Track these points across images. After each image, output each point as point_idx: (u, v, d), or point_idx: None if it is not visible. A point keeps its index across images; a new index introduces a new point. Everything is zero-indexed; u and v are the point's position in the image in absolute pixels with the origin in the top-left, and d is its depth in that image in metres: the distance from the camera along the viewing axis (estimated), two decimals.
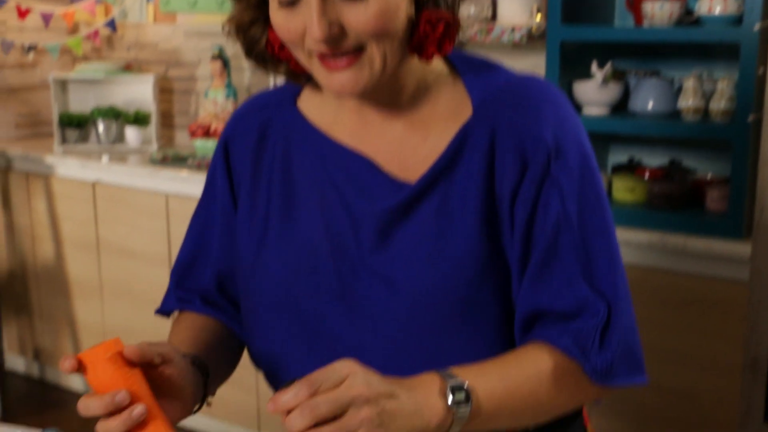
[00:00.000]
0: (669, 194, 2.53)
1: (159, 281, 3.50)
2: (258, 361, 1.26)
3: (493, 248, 1.10)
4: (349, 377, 0.91)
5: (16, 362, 4.22)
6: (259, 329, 1.20)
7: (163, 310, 1.35)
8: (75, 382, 3.97)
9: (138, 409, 0.95)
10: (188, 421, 4.17)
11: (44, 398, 3.94)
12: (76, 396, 3.85)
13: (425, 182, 1.11)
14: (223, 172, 1.24)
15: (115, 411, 0.96)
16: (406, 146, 1.14)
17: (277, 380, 1.22)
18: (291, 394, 0.89)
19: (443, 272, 1.09)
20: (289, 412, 0.89)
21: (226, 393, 3.63)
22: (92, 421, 0.99)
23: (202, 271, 1.29)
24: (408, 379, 1.00)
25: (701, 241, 2.37)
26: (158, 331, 3.57)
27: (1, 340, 4.20)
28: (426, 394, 0.98)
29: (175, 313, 1.34)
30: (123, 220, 3.60)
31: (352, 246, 1.12)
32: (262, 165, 1.21)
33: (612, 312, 1.08)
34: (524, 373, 1.07)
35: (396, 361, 1.04)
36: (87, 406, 0.97)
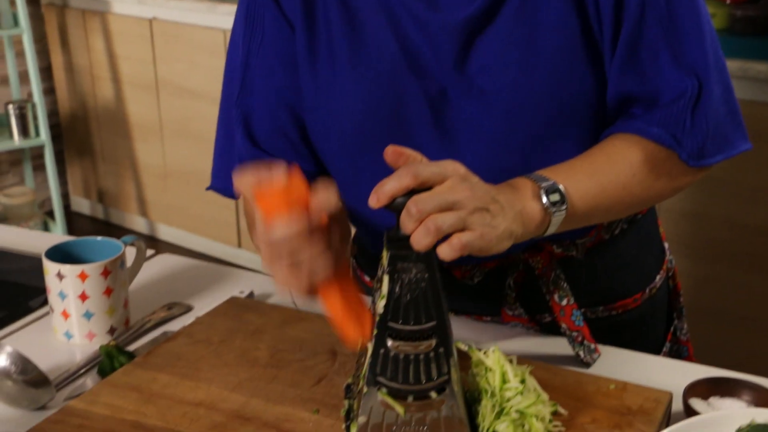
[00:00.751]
0: (753, 19, 2.38)
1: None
2: (349, 208, 1.19)
3: (585, 42, 1.02)
4: (452, 178, 0.85)
5: (82, 204, 4.29)
6: (342, 175, 1.13)
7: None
8: (138, 223, 4.03)
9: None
10: (172, 238, 4.23)
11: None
12: (139, 236, 3.91)
13: None
14: (274, 10, 1.11)
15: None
16: None
17: (370, 228, 1.17)
18: (394, 181, 0.83)
19: (537, 76, 1.02)
20: (391, 200, 0.83)
21: (207, 210, 3.69)
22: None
23: (273, 119, 1.15)
24: (501, 184, 0.95)
25: (763, 65, 2.24)
26: None
27: (66, 183, 4.27)
28: (521, 199, 0.94)
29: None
30: (181, 58, 3.55)
31: (434, 66, 1.03)
32: (315, 4, 1.09)
33: (703, 86, 1.01)
34: (615, 167, 1.02)
35: (491, 180, 0.98)
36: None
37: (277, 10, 1.10)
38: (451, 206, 0.83)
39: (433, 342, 0.86)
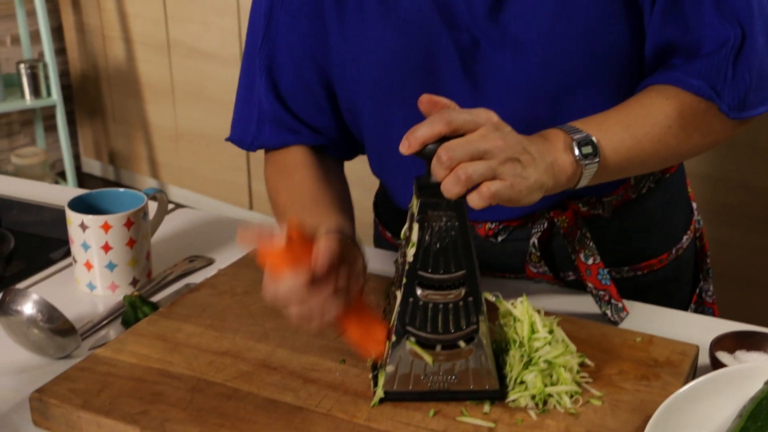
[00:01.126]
0: None
1: (231, 83, 3.44)
2: (375, 163, 1.19)
3: None
4: (484, 126, 0.84)
5: (93, 166, 4.28)
6: (371, 128, 1.12)
7: (259, 144, 1.17)
8: (149, 184, 4.03)
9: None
10: (183, 200, 4.21)
11: None
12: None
13: None
14: None
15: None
16: None
17: (397, 181, 1.16)
18: (426, 127, 0.82)
19: (572, 27, 0.99)
20: (423, 146, 0.82)
21: (218, 173, 3.68)
22: None
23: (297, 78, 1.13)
24: (533, 135, 0.93)
25: None
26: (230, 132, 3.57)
27: (77, 144, 4.26)
28: (553, 150, 0.92)
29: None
30: (193, 18, 3.52)
31: (466, 16, 1.01)
32: None
33: (746, 36, 0.99)
34: (650, 119, 0.99)
35: (521, 132, 0.96)
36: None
37: None
38: (482, 155, 0.82)
39: (463, 291, 0.85)
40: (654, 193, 1.17)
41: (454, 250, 0.84)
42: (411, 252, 0.84)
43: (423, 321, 0.86)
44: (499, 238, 1.15)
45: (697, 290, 1.27)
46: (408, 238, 0.87)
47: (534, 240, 1.14)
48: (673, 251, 1.21)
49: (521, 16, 1.01)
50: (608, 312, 1.08)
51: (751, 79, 1.00)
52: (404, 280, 0.85)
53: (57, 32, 4.05)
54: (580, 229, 1.11)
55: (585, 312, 1.10)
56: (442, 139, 0.82)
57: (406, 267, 0.85)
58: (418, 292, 0.85)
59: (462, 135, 0.82)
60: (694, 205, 1.27)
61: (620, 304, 1.09)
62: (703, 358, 0.99)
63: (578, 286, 1.16)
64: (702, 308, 1.28)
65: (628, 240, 1.17)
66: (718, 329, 1.03)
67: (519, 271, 1.18)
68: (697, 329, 1.07)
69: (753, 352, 0.99)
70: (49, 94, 3.61)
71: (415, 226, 0.84)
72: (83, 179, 4.19)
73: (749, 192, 2.39)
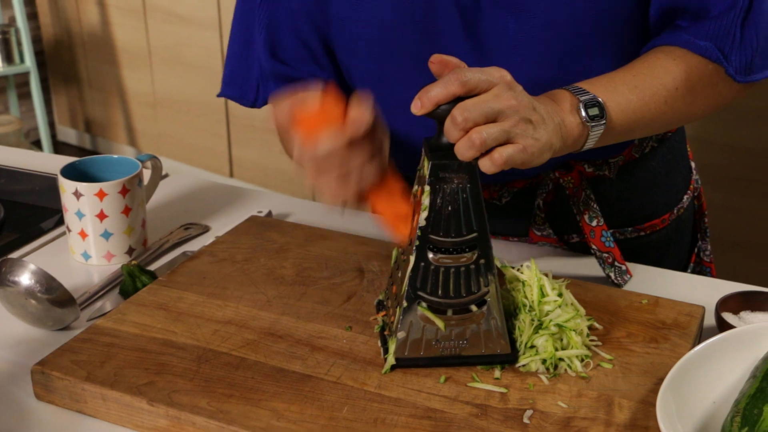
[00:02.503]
0: None
1: (209, 47, 3.40)
2: None
3: None
4: (498, 86, 0.82)
5: (68, 134, 4.22)
6: (370, 88, 1.09)
7: (264, 100, 1.14)
8: (127, 153, 3.98)
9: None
10: (164, 168, 4.11)
11: None
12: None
13: None
14: None
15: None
16: None
17: (396, 141, 1.14)
18: (440, 87, 0.80)
19: None
20: (435, 106, 0.80)
21: (198, 140, 3.65)
22: None
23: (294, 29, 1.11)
24: (540, 96, 0.92)
25: None
26: (209, 98, 3.53)
27: (51, 112, 4.19)
28: (560, 111, 0.91)
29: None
30: None
31: None
32: None
33: None
34: (657, 81, 0.98)
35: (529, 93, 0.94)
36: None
37: None
38: (496, 115, 0.80)
39: (475, 254, 0.84)
40: (656, 153, 1.17)
41: (465, 213, 0.83)
42: (423, 216, 0.83)
43: (434, 285, 0.85)
44: (503, 200, 1.14)
45: (696, 249, 1.28)
46: (417, 201, 0.85)
47: (539, 201, 1.13)
48: (675, 210, 1.21)
49: None
50: (612, 274, 1.08)
51: (758, 41, 0.99)
52: (416, 243, 0.83)
53: None
54: (584, 191, 1.10)
55: (588, 275, 1.10)
56: (455, 99, 0.80)
57: (418, 231, 0.83)
58: (430, 256, 0.84)
59: (475, 95, 0.81)
60: (693, 164, 1.27)
61: (624, 267, 1.08)
62: (708, 319, 0.98)
63: (581, 249, 1.15)
64: (700, 267, 1.28)
65: (631, 200, 1.17)
66: (718, 290, 1.03)
67: (522, 235, 1.17)
68: (698, 290, 1.07)
69: (757, 313, 0.99)
70: (22, 60, 3.54)
71: (427, 189, 0.82)
72: (58, 148, 4.12)
73: (746, 155, 2.39)
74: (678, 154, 1.21)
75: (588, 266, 1.12)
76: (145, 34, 3.64)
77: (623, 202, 1.16)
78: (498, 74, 0.82)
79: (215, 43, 3.36)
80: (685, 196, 1.22)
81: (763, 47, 1.00)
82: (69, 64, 4.02)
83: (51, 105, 4.18)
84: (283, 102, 0.86)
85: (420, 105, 0.80)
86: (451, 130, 0.80)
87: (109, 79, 3.89)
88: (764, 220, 2.44)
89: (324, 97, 0.84)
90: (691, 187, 1.24)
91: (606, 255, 1.08)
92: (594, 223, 1.09)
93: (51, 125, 4.16)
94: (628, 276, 1.08)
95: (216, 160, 3.61)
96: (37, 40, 4.01)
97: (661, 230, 1.19)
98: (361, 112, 0.84)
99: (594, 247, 1.09)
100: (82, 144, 4.17)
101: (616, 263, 1.08)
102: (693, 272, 1.27)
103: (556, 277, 0.97)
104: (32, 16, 3.99)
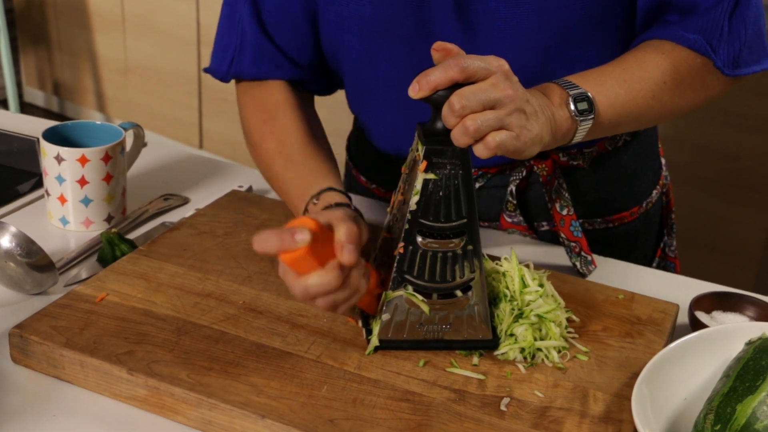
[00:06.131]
0: None
1: (184, 16, 3.36)
2: (355, 101, 1.17)
3: None
4: (495, 75, 0.82)
5: (35, 96, 4.15)
6: (358, 66, 1.10)
7: (234, 73, 1.13)
8: (95, 118, 3.92)
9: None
10: None
11: None
12: None
13: None
14: None
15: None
16: None
17: (381, 117, 1.14)
18: (439, 72, 0.80)
19: None
20: (433, 91, 0.80)
21: (168, 110, 3.62)
22: None
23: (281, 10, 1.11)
24: (532, 89, 0.93)
25: None
26: (182, 68, 3.50)
27: (19, 73, 4.12)
28: (551, 105, 0.92)
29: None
30: None
31: None
32: None
33: None
34: (646, 74, 1.00)
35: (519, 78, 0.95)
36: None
37: None
38: (493, 104, 0.81)
39: (463, 240, 0.85)
40: (629, 146, 1.19)
41: (456, 198, 0.83)
42: (414, 200, 0.83)
43: (421, 269, 0.85)
44: (477, 185, 1.15)
45: (662, 244, 1.30)
46: (409, 185, 0.86)
47: (512, 187, 1.14)
48: (643, 204, 1.23)
49: None
50: (578, 263, 1.09)
51: (746, 35, 1.01)
52: (406, 227, 0.84)
53: None
54: (557, 179, 1.12)
55: (556, 264, 1.11)
56: (452, 86, 0.80)
57: (408, 215, 0.84)
58: (419, 240, 0.84)
59: (472, 82, 0.81)
60: (663, 161, 1.29)
61: (589, 257, 1.10)
62: (680, 317, 1.00)
63: (550, 239, 1.17)
64: (665, 262, 1.31)
65: (602, 192, 1.19)
66: (687, 287, 1.07)
67: (493, 220, 1.18)
68: (667, 287, 1.09)
69: (729, 313, 1.01)
70: None
71: (420, 175, 0.82)
72: (25, 109, 4.06)
73: (705, 154, 2.43)
74: (649, 149, 1.24)
75: (557, 255, 1.13)
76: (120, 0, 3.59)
77: (594, 192, 1.18)
78: (497, 63, 0.83)
79: (191, 14, 3.32)
80: (654, 191, 1.25)
81: (750, 41, 1.02)
82: (39, 25, 3.95)
83: (19, 65, 4.11)
84: (269, 239, 0.79)
85: (418, 88, 0.81)
86: (448, 116, 0.80)
87: (80, 43, 3.83)
88: (727, 221, 2.48)
89: (313, 232, 0.79)
90: (661, 182, 1.27)
91: (573, 244, 1.10)
92: (564, 212, 1.11)
93: (18, 85, 4.09)
94: (593, 266, 1.10)
95: (186, 130, 3.58)
96: None
97: (629, 223, 1.22)
98: (349, 242, 0.81)
99: (563, 235, 1.10)
100: (49, 107, 4.11)
101: (583, 253, 1.10)
102: (658, 266, 1.29)
103: (539, 267, 0.98)
104: None
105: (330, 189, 0.97)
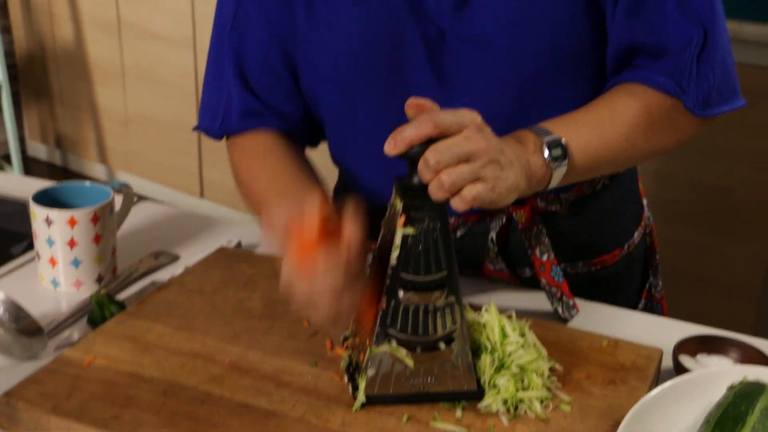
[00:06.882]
0: None
1: (183, 66, 3.40)
2: (337, 152, 1.19)
3: None
4: (469, 128, 0.84)
5: (38, 149, 4.20)
6: (335, 116, 1.12)
7: (224, 130, 1.17)
8: (97, 170, 3.96)
9: None
10: (132, 187, 4.13)
11: None
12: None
13: None
14: None
15: None
16: None
17: (362, 168, 1.16)
18: (413, 129, 0.82)
19: (537, 23, 1.01)
20: (408, 147, 0.82)
21: (169, 159, 3.65)
22: None
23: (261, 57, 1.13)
24: (506, 137, 0.94)
25: (756, 26, 2.26)
26: (182, 118, 3.53)
27: (22, 127, 4.17)
28: (525, 152, 0.93)
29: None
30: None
31: (433, 7, 1.02)
32: None
33: (708, 35, 1.02)
34: (618, 118, 1.01)
35: (491, 124, 0.97)
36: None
37: None
38: (467, 157, 0.83)
39: (444, 292, 0.86)
40: (608, 190, 1.20)
41: (435, 252, 0.85)
42: (395, 255, 0.84)
43: (404, 323, 0.86)
44: (458, 233, 1.16)
45: (647, 285, 1.31)
46: (386, 240, 0.87)
47: (492, 235, 1.16)
48: (625, 247, 1.24)
49: (486, 10, 1.02)
50: (559, 309, 1.10)
51: (715, 77, 1.03)
52: (387, 282, 0.85)
53: (2, 9, 3.96)
54: (536, 225, 1.13)
55: (539, 309, 1.12)
56: (427, 141, 0.82)
57: (390, 271, 0.85)
58: (401, 294, 0.85)
59: (447, 136, 0.83)
60: (645, 201, 1.30)
61: (571, 302, 1.11)
62: (664, 361, 1.01)
63: (534, 285, 1.18)
64: (651, 303, 1.31)
65: (582, 236, 1.20)
66: (672, 330, 1.07)
67: (476, 267, 1.19)
68: (652, 330, 1.09)
69: (713, 356, 1.01)
70: None
71: (399, 230, 0.84)
72: (28, 163, 4.10)
73: (697, 190, 2.44)
74: (628, 191, 1.25)
75: (539, 301, 1.14)
76: (119, 51, 3.64)
77: (574, 236, 1.18)
78: (469, 116, 0.85)
79: (189, 62, 3.37)
80: (636, 233, 1.25)
81: (719, 82, 1.04)
82: (41, 78, 4.00)
83: (22, 119, 4.16)
84: (280, 214, 0.84)
85: (393, 145, 0.82)
86: (424, 172, 0.82)
87: (81, 96, 3.88)
88: (722, 256, 2.48)
89: (321, 221, 0.82)
90: (643, 223, 1.27)
91: (555, 289, 1.11)
92: (545, 258, 1.12)
93: (21, 140, 4.14)
94: (575, 311, 1.11)
95: (187, 180, 3.61)
96: (9, 53, 3.99)
97: (611, 266, 1.22)
98: (354, 238, 0.83)
99: (543, 280, 1.11)
100: (52, 160, 4.15)
101: (564, 298, 1.11)
102: (644, 308, 1.30)
103: (521, 316, 0.99)
104: (6, 29, 3.98)
105: None
